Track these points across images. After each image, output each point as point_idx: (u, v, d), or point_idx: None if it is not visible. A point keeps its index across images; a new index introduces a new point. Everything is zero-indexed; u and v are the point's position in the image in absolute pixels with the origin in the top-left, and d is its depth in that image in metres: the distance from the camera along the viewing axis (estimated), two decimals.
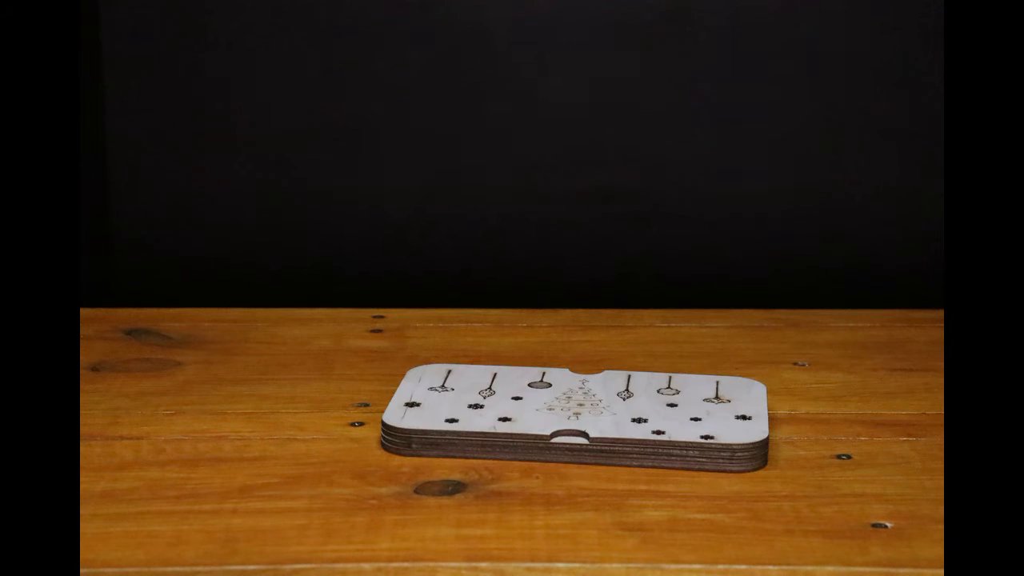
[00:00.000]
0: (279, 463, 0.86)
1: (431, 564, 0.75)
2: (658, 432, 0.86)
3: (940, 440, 0.90)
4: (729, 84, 1.17)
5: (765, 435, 0.86)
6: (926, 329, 1.08)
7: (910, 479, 0.85)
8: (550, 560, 0.76)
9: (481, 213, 1.20)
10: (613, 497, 0.82)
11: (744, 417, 0.88)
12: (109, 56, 1.17)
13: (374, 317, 1.11)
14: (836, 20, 1.16)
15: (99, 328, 1.07)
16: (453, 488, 0.83)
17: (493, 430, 0.87)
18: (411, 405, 0.91)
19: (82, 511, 0.80)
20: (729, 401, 0.91)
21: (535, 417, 0.89)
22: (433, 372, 0.95)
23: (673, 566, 0.75)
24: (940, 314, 1.10)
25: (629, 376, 0.94)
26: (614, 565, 0.75)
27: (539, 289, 1.20)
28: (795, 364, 1.02)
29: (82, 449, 0.87)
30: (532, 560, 0.76)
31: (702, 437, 0.86)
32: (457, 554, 0.76)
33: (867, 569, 0.75)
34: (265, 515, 0.80)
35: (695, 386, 0.93)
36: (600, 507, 0.81)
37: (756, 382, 0.94)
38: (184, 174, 1.20)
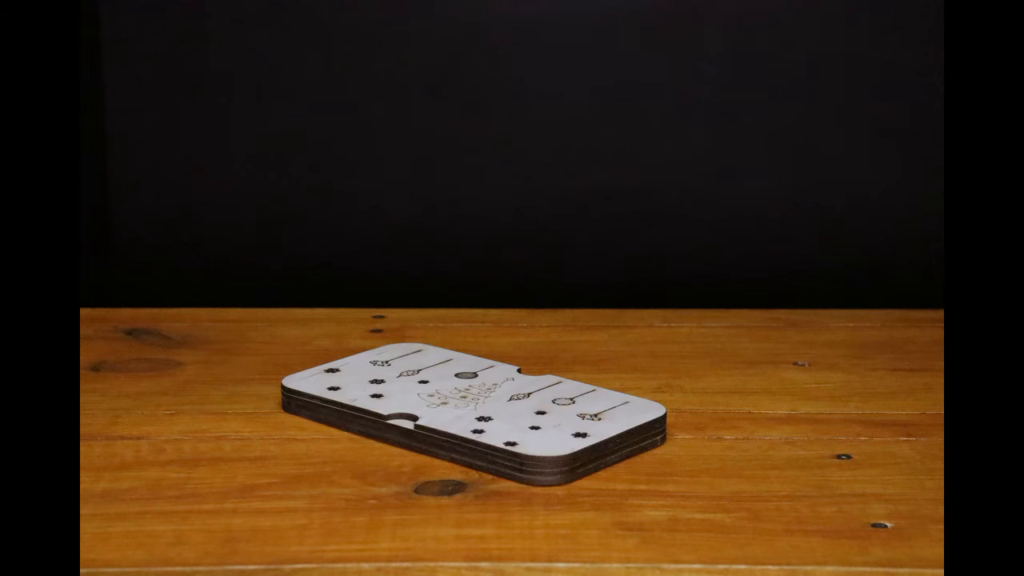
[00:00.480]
0: (279, 463, 0.86)
1: (431, 564, 0.75)
2: (477, 432, 0.86)
3: (940, 440, 0.90)
4: (729, 84, 1.17)
5: (566, 453, 0.84)
6: (926, 329, 1.08)
7: (910, 479, 0.85)
8: (550, 560, 0.76)
9: (481, 213, 1.20)
10: (613, 497, 0.82)
11: (580, 435, 0.86)
12: (109, 56, 1.17)
13: (374, 317, 1.11)
14: (836, 20, 1.16)
15: (99, 328, 1.08)
16: (453, 488, 0.83)
17: (351, 402, 0.90)
18: (331, 371, 0.95)
19: (82, 511, 0.80)
20: (600, 420, 0.89)
21: (400, 400, 0.91)
22: (401, 349, 0.99)
23: (673, 566, 0.75)
24: (940, 314, 1.10)
25: (559, 382, 0.94)
26: (614, 565, 0.75)
27: (539, 289, 1.20)
28: (795, 364, 1.02)
29: (82, 449, 0.87)
30: (532, 560, 0.76)
31: (505, 444, 0.85)
32: (457, 554, 0.76)
33: (867, 569, 0.75)
34: (265, 515, 0.80)
35: (592, 401, 0.91)
36: (600, 507, 0.81)
37: (660, 407, 0.90)
38: (184, 174, 1.20)
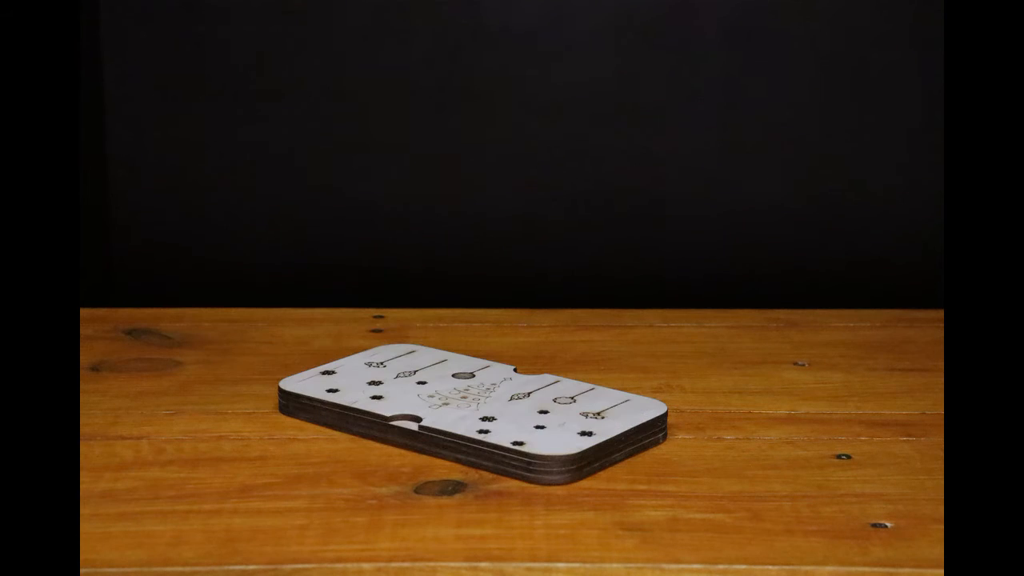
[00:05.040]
0: (279, 463, 0.86)
1: (431, 564, 0.75)
2: (483, 432, 0.86)
3: (940, 440, 0.90)
4: (729, 84, 1.17)
5: (575, 451, 0.84)
6: (926, 329, 1.08)
7: (910, 479, 0.85)
8: (550, 560, 0.76)
9: (481, 212, 1.20)
10: (613, 497, 0.82)
11: (586, 433, 0.86)
12: (109, 56, 1.17)
13: (374, 317, 1.11)
14: (837, 20, 1.16)
15: (99, 328, 1.07)
16: (453, 488, 0.83)
17: (352, 404, 0.90)
18: (327, 373, 0.95)
19: (82, 511, 0.80)
20: (603, 418, 0.88)
21: (401, 401, 0.90)
22: (395, 350, 0.99)
23: (673, 566, 0.75)
24: (940, 314, 1.10)
25: (557, 381, 0.94)
26: (614, 565, 0.75)
27: (539, 289, 1.20)
28: (795, 364, 1.02)
29: (82, 449, 0.87)
30: (532, 560, 0.76)
31: (513, 443, 0.85)
32: (457, 554, 0.76)
33: (867, 569, 0.75)
34: (265, 515, 0.80)
35: (592, 399, 0.91)
36: (600, 507, 0.81)
37: (661, 405, 0.90)
38: (184, 174, 1.20)
